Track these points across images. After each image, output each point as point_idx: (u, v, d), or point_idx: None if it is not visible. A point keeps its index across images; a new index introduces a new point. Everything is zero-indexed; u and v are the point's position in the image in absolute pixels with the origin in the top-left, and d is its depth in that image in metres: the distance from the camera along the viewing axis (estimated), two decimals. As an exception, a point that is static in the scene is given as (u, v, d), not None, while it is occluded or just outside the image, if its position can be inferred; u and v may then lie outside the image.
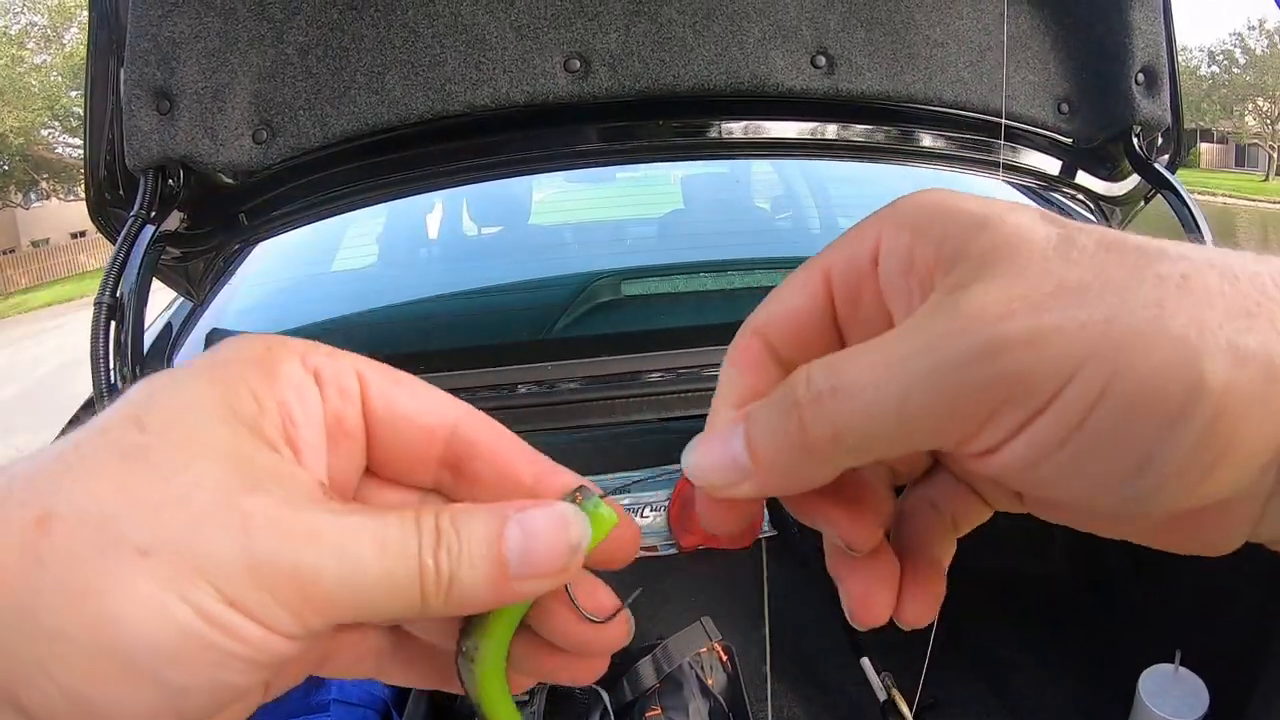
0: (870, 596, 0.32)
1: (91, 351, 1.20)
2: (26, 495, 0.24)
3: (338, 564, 0.26)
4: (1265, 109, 36.06)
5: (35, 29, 26.62)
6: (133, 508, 0.24)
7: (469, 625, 0.31)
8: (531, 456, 0.33)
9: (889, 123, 1.35)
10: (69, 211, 28.27)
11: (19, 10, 26.28)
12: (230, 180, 1.33)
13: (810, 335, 0.32)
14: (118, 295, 1.21)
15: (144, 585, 0.24)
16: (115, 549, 0.24)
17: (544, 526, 0.29)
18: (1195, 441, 0.22)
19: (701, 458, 0.30)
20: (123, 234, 1.25)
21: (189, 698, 0.25)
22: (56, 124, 26.64)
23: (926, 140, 1.38)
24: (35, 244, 28.86)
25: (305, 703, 1.39)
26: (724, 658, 1.53)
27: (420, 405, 0.32)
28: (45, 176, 27.52)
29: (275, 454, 0.28)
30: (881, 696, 1.47)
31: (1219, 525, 0.26)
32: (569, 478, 0.33)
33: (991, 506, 0.33)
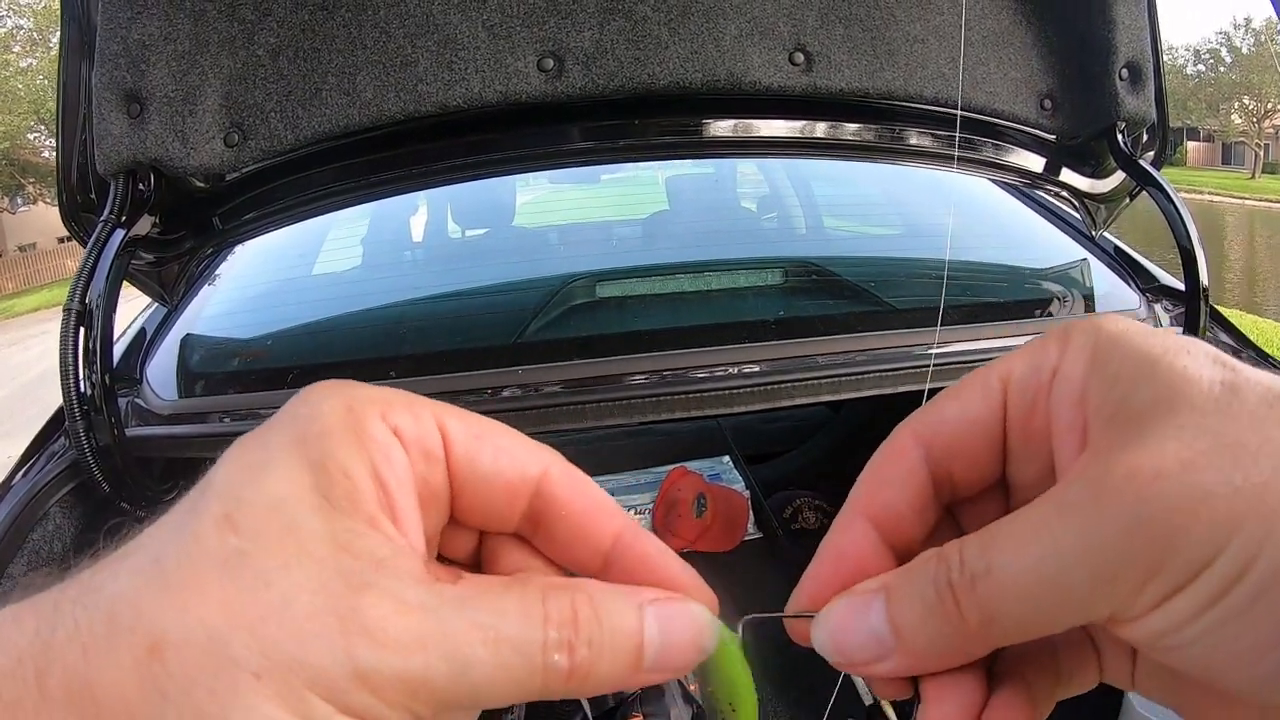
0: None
1: (60, 358, 1.19)
2: (134, 621, 0.24)
3: (448, 667, 0.25)
4: (1251, 107, 36.33)
5: (21, 32, 26.51)
6: (239, 626, 0.24)
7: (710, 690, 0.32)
8: (611, 514, 0.32)
9: (869, 120, 1.33)
10: (56, 216, 27.78)
11: (4, 14, 26.16)
12: (202, 183, 1.32)
13: (976, 445, 0.31)
14: (86, 301, 1.20)
15: (262, 707, 0.24)
16: (229, 674, 0.24)
17: (682, 627, 0.29)
18: None
19: (837, 635, 0.30)
20: (93, 239, 1.23)
21: None
22: (43, 128, 26.48)
23: (907, 137, 1.37)
24: (22, 249, 28.73)
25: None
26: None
27: (504, 463, 0.31)
28: (32, 181, 27.34)
29: (375, 532, 0.27)
30: (867, 700, 1.46)
31: None
32: (648, 544, 0.32)
33: (1104, 677, 0.33)
